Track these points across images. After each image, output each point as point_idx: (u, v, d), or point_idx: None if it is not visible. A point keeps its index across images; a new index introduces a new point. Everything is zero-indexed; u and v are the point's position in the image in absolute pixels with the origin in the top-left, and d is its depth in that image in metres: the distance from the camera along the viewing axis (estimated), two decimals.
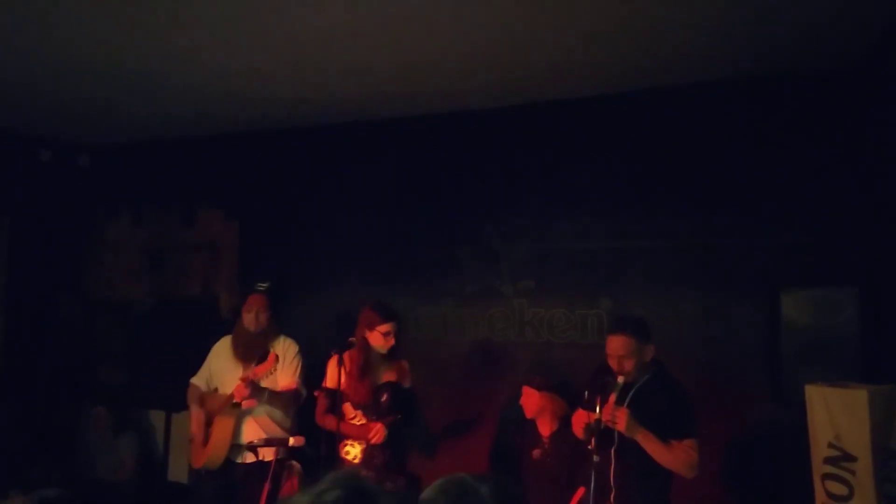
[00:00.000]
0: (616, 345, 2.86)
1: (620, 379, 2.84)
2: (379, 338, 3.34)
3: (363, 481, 0.70)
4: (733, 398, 3.62)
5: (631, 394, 2.86)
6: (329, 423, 3.37)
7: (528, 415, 3.63)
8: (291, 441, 3.13)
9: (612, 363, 2.87)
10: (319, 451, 3.39)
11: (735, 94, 3.79)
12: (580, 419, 2.89)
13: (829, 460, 2.95)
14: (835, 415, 2.94)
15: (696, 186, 3.86)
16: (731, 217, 3.77)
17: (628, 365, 2.84)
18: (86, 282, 5.58)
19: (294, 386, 3.59)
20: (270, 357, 3.42)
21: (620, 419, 2.73)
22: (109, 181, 5.52)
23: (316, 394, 3.41)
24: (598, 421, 2.74)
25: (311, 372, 3.64)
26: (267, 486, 3.08)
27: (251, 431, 3.55)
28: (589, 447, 2.78)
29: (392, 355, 3.43)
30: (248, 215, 5.06)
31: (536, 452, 3.61)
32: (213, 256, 5.10)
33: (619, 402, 2.81)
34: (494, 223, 4.35)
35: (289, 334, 3.77)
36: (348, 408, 3.34)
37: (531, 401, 3.57)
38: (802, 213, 3.61)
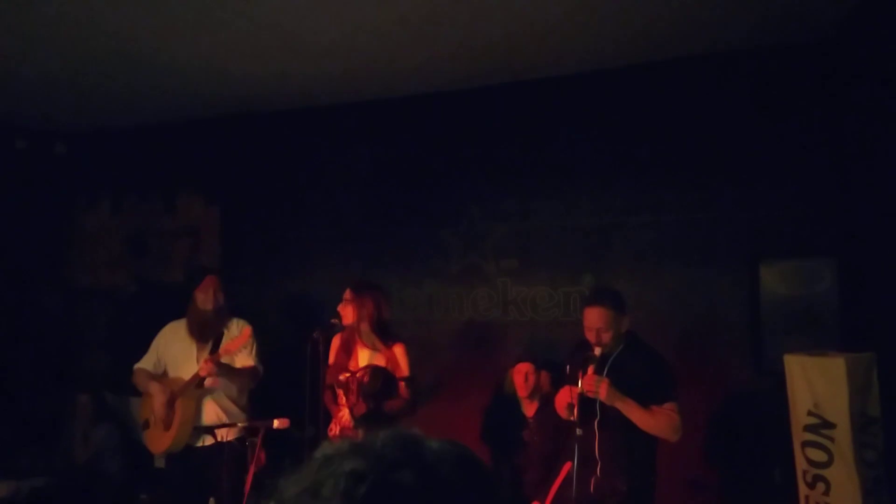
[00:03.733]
0: (593, 317, 2.85)
1: (597, 350, 2.85)
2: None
3: (434, 461, 0.60)
4: (715, 369, 3.66)
5: (608, 364, 2.88)
6: (327, 399, 3.38)
7: (523, 393, 3.64)
8: (276, 423, 3.11)
9: (590, 336, 2.87)
10: (305, 432, 3.39)
11: (712, 69, 3.79)
12: (563, 397, 2.89)
13: (808, 428, 2.99)
14: (814, 383, 2.97)
15: (675, 162, 3.87)
16: (711, 191, 3.79)
17: (606, 337, 2.84)
18: (67, 270, 5.52)
19: (252, 364, 3.60)
20: (245, 331, 3.42)
21: (601, 388, 2.75)
22: (87, 169, 5.45)
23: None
24: (581, 394, 2.75)
25: (293, 355, 3.63)
26: (252, 469, 3.08)
27: (211, 413, 3.58)
28: (571, 418, 2.79)
29: (384, 339, 3.35)
30: (228, 200, 5.02)
31: (525, 434, 3.63)
32: (195, 242, 5.07)
33: (597, 373, 2.82)
34: (477, 203, 4.34)
35: (272, 317, 3.77)
36: (337, 387, 3.36)
37: (531, 378, 3.58)
38: (780, 185, 3.63)
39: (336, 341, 3.46)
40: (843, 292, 3.35)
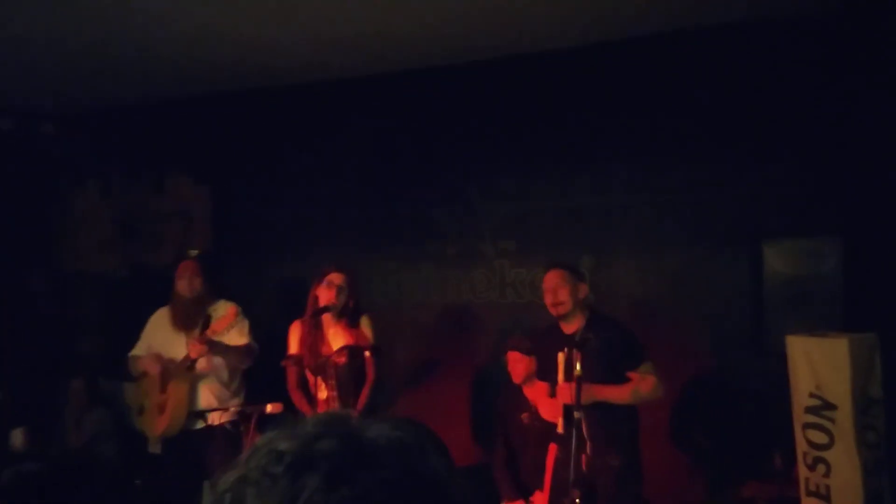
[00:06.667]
0: (549, 277, 3.08)
1: (556, 309, 3.02)
2: (324, 290, 3.31)
3: (359, 429, 0.61)
4: (716, 349, 3.63)
5: (575, 342, 2.88)
6: (297, 400, 3.36)
7: (516, 380, 3.60)
8: (269, 408, 3.09)
9: (548, 298, 3.05)
10: (298, 416, 3.35)
11: (714, 44, 3.70)
12: (550, 408, 2.95)
13: (810, 409, 2.97)
14: (816, 364, 2.95)
15: (676, 140, 3.82)
16: (712, 169, 3.73)
17: (562, 294, 2.99)
18: (57, 254, 5.46)
19: (245, 341, 3.57)
20: (230, 310, 3.41)
21: (573, 395, 2.75)
22: (75, 150, 5.36)
23: (283, 364, 3.37)
24: (578, 378, 2.73)
25: (286, 338, 3.58)
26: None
27: (204, 397, 3.57)
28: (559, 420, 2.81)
29: (350, 319, 3.37)
30: (219, 180, 4.94)
31: (525, 416, 3.59)
32: (186, 224, 5.01)
33: (567, 357, 2.83)
34: (474, 183, 4.28)
35: (264, 300, 3.73)
36: (309, 375, 3.32)
37: (519, 366, 3.54)
38: (784, 163, 3.58)
39: (296, 331, 3.43)
40: (847, 272, 3.32)
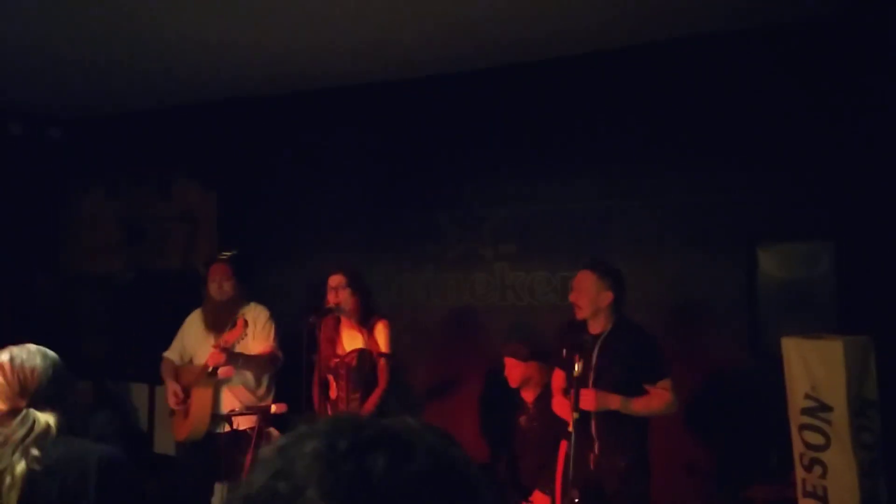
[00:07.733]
0: (578, 277, 2.97)
1: (580, 314, 2.91)
2: (328, 293, 3.35)
3: (390, 422, 0.64)
4: (712, 352, 3.66)
5: (598, 346, 2.89)
6: (314, 396, 3.39)
7: (513, 385, 3.63)
8: (273, 408, 3.13)
9: (570, 296, 2.97)
10: (304, 416, 3.40)
11: (710, 50, 3.74)
12: (563, 406, 2.91)
13: (806, 411, 2.99)
14: (811, 366, 2.97)
15: (673, 145, 3.84)
16: (709, 174, 3.76)
17: (583, 299, 2.91)
18: (64, 257, 5.51)
19: (270, 349, 3.57)
20: (239, 323, 3.41)
21: (588, 401, 2.76)
22: (82, 154, 5.42)
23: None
24: (577, 379, 2.76)
25: (292, 340, 3.62)
26: (249, 457, 3.08)
27: (228, 401, 3.56)
28: (575, 415, 2.81)
29: (361, 321, 3.39)
30: (225, 185, 4.99)
31: (523, 419, 3.63)
32: (192, 227, 5.06)
33: (587, 357, 2.84)
34: (474, 187, 4.32)
35: (270, 303, 3.75)
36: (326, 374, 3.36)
37: (515, 372, 3.57)
38: (778, 168, 3.61)
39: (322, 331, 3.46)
40: (841, 275, 3.33)
